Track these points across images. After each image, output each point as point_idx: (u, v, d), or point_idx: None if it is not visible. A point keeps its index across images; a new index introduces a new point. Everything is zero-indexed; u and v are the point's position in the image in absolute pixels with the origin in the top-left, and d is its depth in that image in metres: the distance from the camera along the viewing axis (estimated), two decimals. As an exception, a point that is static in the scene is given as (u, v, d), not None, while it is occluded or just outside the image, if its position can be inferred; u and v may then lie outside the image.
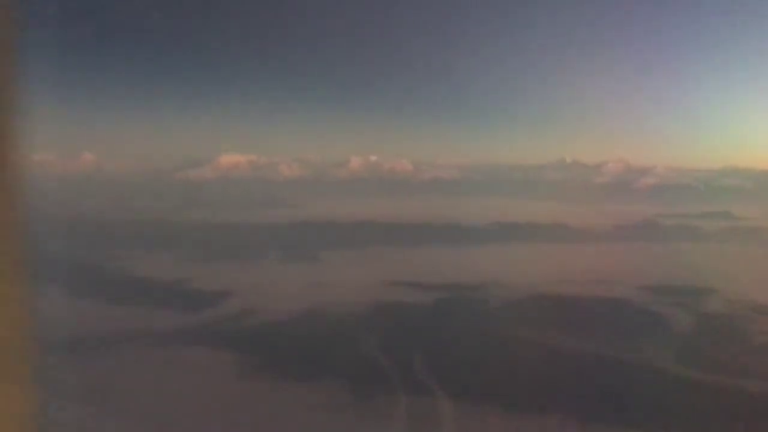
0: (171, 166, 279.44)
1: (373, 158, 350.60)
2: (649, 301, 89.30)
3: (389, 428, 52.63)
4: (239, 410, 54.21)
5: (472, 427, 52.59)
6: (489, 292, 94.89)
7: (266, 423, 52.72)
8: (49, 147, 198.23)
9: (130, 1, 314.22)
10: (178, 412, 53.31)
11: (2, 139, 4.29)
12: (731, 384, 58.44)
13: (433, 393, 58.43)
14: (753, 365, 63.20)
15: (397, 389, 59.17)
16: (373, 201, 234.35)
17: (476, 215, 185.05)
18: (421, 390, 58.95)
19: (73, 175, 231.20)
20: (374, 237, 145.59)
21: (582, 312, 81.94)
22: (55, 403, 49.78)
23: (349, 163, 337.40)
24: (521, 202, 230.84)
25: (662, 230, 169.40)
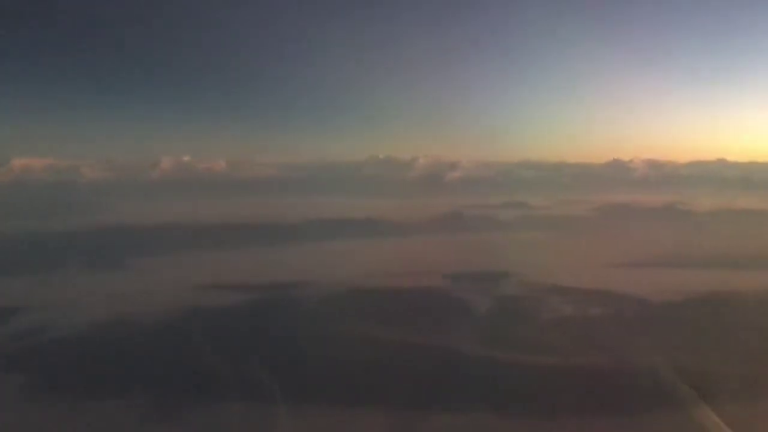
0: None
1: (186, 158, 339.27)
2: (454, 288, 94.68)
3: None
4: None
5: (298, 427, 52.46)
6: (305, 290, 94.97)
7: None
8: None
9: None
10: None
11: None
12: (526, 359, 63.32)
13: (253, 396, 57.45)
14: (544, 341, 69.12)
15: (212, 396, 57.55)
16: (186, 202, 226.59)
17: (292, 213, 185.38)
18: (242, 394, 57.73)
19: None
20: (187, 240, 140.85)
21: (394, 303, 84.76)
22: None
23: (160, 163, 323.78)
24: (337, 199, 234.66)
25: (466, 221, 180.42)
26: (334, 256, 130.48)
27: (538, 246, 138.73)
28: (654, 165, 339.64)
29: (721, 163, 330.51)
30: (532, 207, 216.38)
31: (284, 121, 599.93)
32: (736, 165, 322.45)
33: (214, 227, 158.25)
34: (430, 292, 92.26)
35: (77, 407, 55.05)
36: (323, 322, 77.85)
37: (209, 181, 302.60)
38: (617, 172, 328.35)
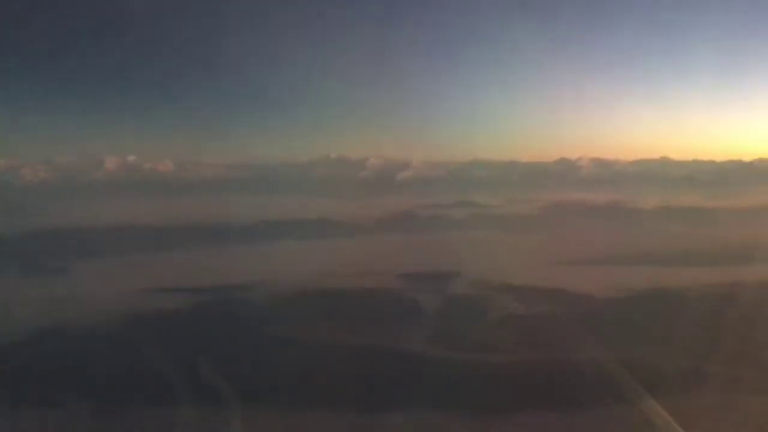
0: None
1: (132, 158, 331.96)
2: (405, 288, 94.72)
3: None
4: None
5: (249, 430, 51.77)
6: (255, 291, 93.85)
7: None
8: None
9: None
10: None
11: None
12: (474, 358, 63.79)
13: (202, 400, 56.32)
14: (492, 339, 69.74)
15: (159, 401, 56.17)
16: (132, 204, 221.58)
17: (241, 214, 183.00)
18: (190, 399, 56.55)
19: None
20: (132, 242, 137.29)
21: (345, 304, 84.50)
22: None
23: (104, 164, 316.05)
24: (288, 200, 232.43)
25: (418, 220, 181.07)
26: (284, 257, 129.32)
27: (488, 244, 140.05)
28: (600, 163, 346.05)
29: (665, 162, 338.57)
30: (482, 206, 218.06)
31: (233, 121, 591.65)
32: (679, 163, 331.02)
33: (161, 229, 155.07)
34: (380, 292, 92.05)
35: (10, 418, 53.05)
36: (273, 324, 76.81)
37: (155, 181, 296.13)
38: (565, 171, 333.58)
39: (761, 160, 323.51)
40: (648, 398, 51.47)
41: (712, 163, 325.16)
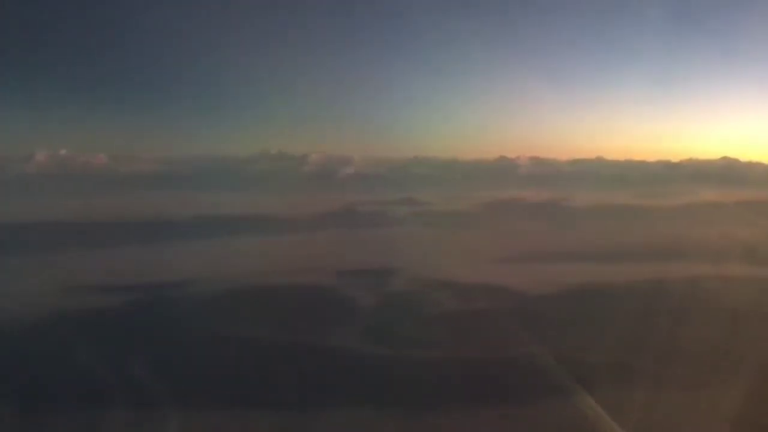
0: None
1: (63, 152, 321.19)
2: (342, 285, 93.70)
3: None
4: None
5: (185, 430, 50.00)
6: (190, 289, 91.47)
7: None
8: None
9: None
10: None
11: None
12: (409, 355, 63.69)
13: (136, 401, 54.34)
14: (428, 335, 69.69)
15: (90, 402, 54.02)
16: (63, 198, 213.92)
17: (178, 210, 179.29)
18: (124, 400, 54.47)
19: None
20: (63, 238, 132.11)
21: (281, 301, 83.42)
22: None
23: (34, 157, 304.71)
24: (225, 195, 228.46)
25: (357, 217, 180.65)
26: (220, 254, 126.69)
27: (426, 242, 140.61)
28: (538, 162, 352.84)
29: (600, 161, 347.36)
30: (422, 203, 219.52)
31: (170, 114, 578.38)
32: (613, 163, 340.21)
33: (93, 225, 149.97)
34: (316, 289, 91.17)
35: None
36: (207, 322, 74.92)
37: (89, 176, 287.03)
38: (504, 169, 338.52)
39: (689, 161, 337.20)
40: (581, 393, 52.09)
41: (643, 163, 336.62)
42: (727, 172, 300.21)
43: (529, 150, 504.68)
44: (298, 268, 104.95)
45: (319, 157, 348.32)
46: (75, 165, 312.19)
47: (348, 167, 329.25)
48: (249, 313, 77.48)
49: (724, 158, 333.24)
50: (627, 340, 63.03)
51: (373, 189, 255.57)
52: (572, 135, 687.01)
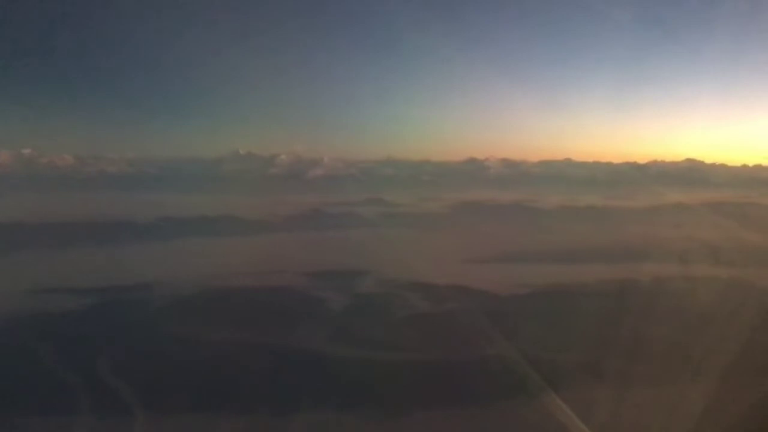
0: None
1: (27, 151, 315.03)
2: (311, 287, 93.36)
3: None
4: None
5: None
6: (156, 291, 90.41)
7: None
8: None
9: None
10: None
11: None
12: (379, 356, 63.61)
13: (98, 404, 53.70)
14: (397, 337, 69.60)
15: (51, 405, 53.14)
16: (26, 199, 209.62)
17: (145, 211, 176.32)
18: (86, 403, 53.92)
19: None
20: (25, 240, 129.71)
21: (248, 303, 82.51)
22: None
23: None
24: (194, 196, 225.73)
25: (327, 218, 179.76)
26: (188, 256, 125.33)
27: (395, 243, 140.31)
28: (508, 164, 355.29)
29: (568, 163, 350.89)
30: (391, 204, 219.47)
31: (138, 114, 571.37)
32: (580, 165, 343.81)
33: (57, 226, 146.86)
34: (285, 291, 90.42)
35: None
36: (173, 324, 74.18)
37: (53, 176, 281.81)
38: (474, 171, 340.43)
39: (655, 163, 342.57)
40: (550, 392, 52.47)
41: (610, 165, 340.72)
42: (692, 174, 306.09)
43: (499, 152, 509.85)
44: (265, 270, 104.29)
45: (289, 158, 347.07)
46: (39, 165, 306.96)
47: (318, 168, 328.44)
48: (216, 315, 76.67)
49: (689, 160, 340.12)
50: (594, 340, 63.60)
51: (343, 190, 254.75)
52: (541, 137, 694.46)
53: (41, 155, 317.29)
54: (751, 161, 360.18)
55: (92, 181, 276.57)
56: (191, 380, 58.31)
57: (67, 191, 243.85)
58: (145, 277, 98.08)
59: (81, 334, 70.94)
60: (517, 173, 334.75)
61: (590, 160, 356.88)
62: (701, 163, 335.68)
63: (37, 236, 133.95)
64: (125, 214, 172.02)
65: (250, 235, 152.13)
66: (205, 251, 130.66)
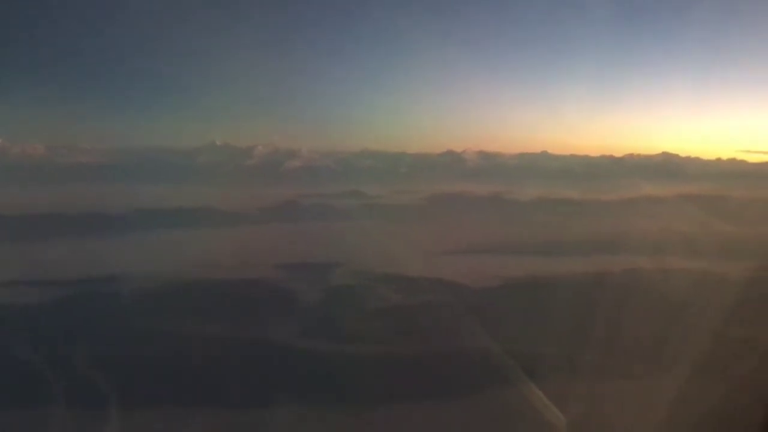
0: None
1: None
2: (284, 279, 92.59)
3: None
4: None
5: (121, 428, 49.85)
6: (128, 284, 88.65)
7: None
8: None
9: None
10: None
11: None
12: (354, 349, 63.23)
13: (68, 399, 52.84)
14: (372, 330, 69.24)
15: (22, 399, 52.21)
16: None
17: (118, 202, 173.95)
18: (56, 397, 53.09)
19: None
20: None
21: (221, 296, 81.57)
22: None
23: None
24: (168, 187, 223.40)
25: (303, 210, 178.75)
26: (161, 248, 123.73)
27: (373, 235, 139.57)
28: (485, 156, 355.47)
29: (545, 156, 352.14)
30: (368, 196, 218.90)
31: (112, 103, 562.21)
32: (557, 157, 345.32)
33: (27, 217, 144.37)
34: (259, 283, 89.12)
35: None
36: (145, 318, 73.21)
37: (24, 166, 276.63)
38: (451, 163, 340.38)
39: (630, 156, 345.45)
40: (526, 383, 52.47)
41: (587, 158, 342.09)
42: (667, 167, 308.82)
43: (476, 144, 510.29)
44: (240, 262, 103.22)
45: (266, 150, 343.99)
46: (10, 155, 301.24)
47: (295, 159, 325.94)
48: (186, 308, 75.58)
49: (664, 153, 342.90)
50: (570, 331, 63.58)
51: (320, 182, 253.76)
52: (518, 130, 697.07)
53: (12, 144, 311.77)
54: (726, 155, 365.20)
55: (65, 171, 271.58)
56: (163, 373, 57.86)
57: (39, 181, 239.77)
58: (117, 269, 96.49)
59: (52, 327, 69.94)
60: (494, 165, 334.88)
61: (567, 152, 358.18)
62: (677, 156, 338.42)
63: (5, 228, 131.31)
64: (99, 205, 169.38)
65: (226, 226, 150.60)
66: (180, 243, 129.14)
